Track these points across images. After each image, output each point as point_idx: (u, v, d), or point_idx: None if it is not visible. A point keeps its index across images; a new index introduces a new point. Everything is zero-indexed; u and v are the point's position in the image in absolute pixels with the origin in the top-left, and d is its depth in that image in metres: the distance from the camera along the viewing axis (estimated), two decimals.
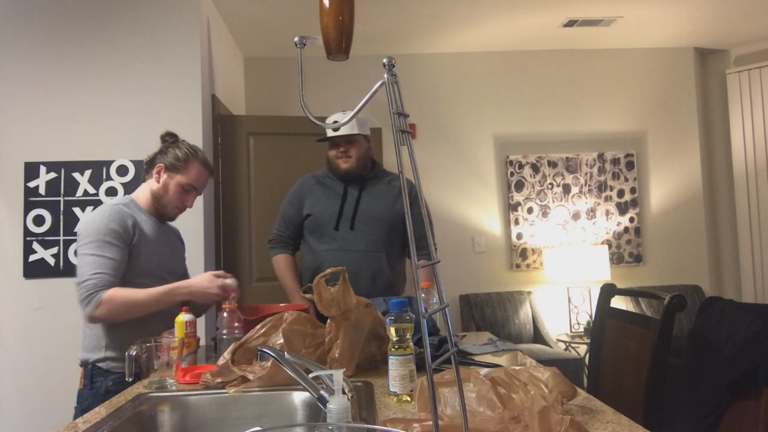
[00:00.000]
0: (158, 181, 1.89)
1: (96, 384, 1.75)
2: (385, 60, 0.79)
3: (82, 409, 1.73)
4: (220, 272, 1.82)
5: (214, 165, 3.37)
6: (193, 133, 3.07)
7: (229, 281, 1.80)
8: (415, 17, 3.89)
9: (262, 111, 4.31)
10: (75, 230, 1.83)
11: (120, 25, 3.08)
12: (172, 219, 1.96)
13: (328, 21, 0.90)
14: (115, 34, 3.08)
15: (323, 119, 0.79)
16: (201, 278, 1.80)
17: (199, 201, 3.07)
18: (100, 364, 1.76)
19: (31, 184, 2.97)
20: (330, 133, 2.38)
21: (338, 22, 0.90)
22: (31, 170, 2.97)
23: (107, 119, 3.01)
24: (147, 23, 3.09)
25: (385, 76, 0.78)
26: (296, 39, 0.89)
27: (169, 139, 1.96)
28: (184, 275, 2.07)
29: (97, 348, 1.77)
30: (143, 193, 1.91)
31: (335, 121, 2.23)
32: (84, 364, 1.80)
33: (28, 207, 2.95)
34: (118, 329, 1.76)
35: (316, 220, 2.37)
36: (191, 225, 3.04)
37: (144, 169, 1.96)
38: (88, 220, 1.79)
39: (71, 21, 3.07)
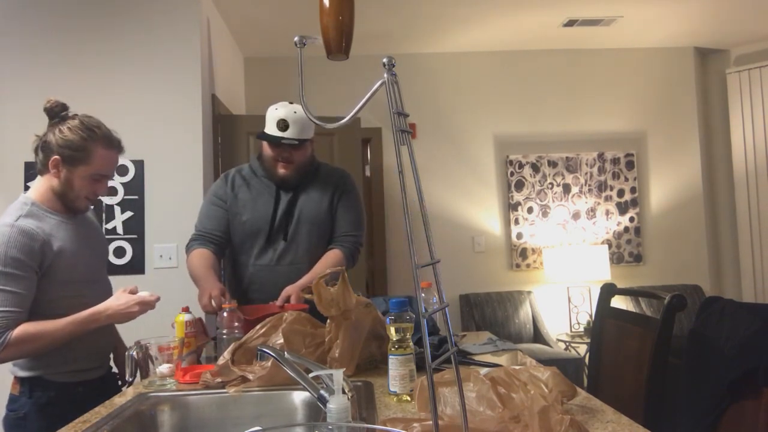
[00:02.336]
0: (58, 177, 1.61)
1: (35, 394, 1.57)
2: (385, 60, 0.79)
3: (16, 417, 1.56)
4: (133, 287, 1.61)
5: (213, 165, 3.37)
6: (193, 133, 3.08)
7: (146, 294, 1.59)
8: (415, 17, 3.89)
9: (262, 111, 4.27)
10: None
11: (120, 25, 3.08)
12: (85, 211, 1.72)
13: (328, 21, 0.90)
14: (115, 34, 3.08)
15: (323, 119, 0.79)
16: (117, 299, 1.57)
17: (198, 201, 3.10)
18: (42, 377, 1.59)
19: (31, 184, 2.96)
20: (274, 132, 2.07)
21: (338, 22, 0.90)
22: (31, 170, 2.97)
23: (107, 119, 2.97)
24: (147, 23, 3.09)
25: (385, 75, 0.78)
26: (296, 39, 0.89)
27: (57, 111, 1.66)
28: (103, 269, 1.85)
29: (30, 365, 1.58)
30: (44, 192, 1.63)
31: (282, 118, 2.11)
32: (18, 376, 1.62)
33: None
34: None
35: (244, 229, 2.09)
36: (191, 225, 3.04)
37: (36, 157, 1.65)
38: None
39: (71, 21, 3.07)
